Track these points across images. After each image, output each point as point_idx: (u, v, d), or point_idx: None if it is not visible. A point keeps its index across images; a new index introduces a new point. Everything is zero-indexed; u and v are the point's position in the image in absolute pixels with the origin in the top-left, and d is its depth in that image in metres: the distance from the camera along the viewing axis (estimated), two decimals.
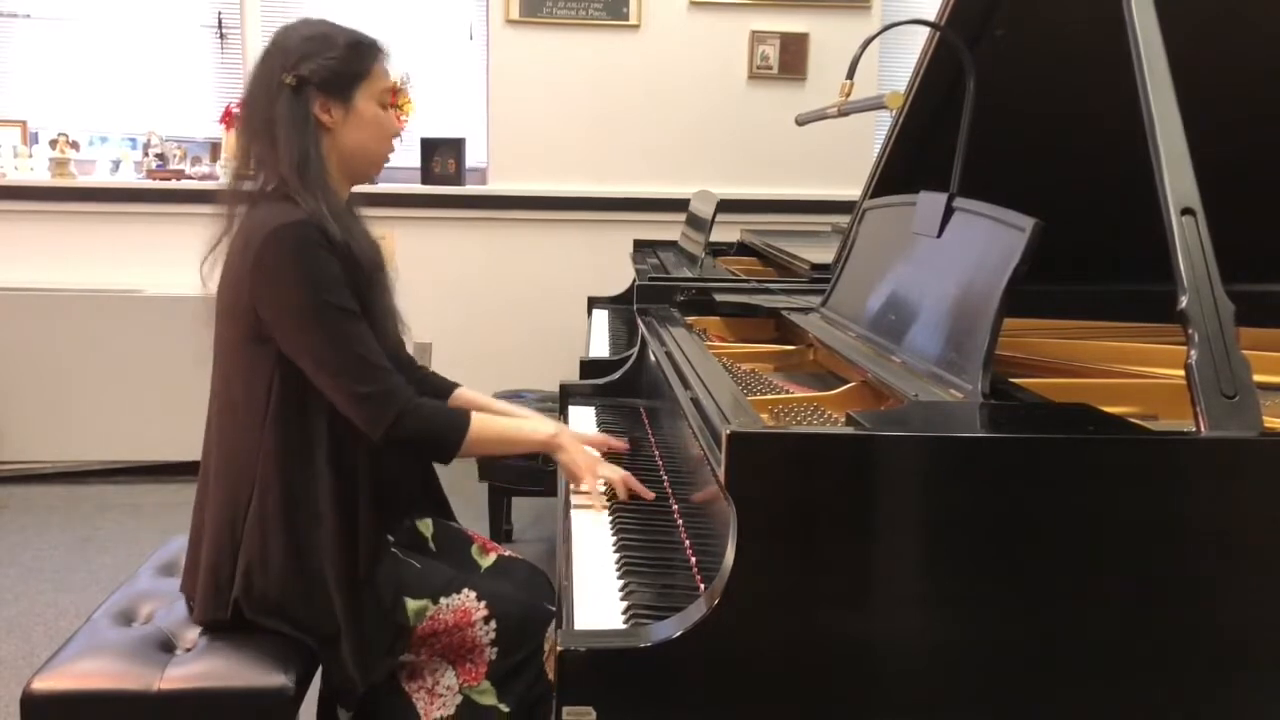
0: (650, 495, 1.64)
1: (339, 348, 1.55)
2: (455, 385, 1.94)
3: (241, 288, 1.57)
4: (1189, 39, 1.31)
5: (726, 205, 3.23)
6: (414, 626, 1.63)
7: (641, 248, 3.63)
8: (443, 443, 1.63)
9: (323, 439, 1.60)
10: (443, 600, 1.65)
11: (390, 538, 1.69)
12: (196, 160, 4.21)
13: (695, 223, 3.33)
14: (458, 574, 1.70)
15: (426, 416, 1.61)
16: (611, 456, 1.78)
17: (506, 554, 1.90)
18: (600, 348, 2.92)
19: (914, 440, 1.12)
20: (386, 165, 1.75)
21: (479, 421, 1.64)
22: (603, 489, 1.66)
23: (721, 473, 1.14)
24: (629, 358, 2.29)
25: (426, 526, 1.83)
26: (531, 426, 1.75)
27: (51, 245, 4.05)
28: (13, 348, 3.91)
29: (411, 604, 1.63)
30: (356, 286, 1.60)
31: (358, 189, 1.75)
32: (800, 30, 4.28)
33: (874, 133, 4.25)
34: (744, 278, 2.80)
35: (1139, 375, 1.64)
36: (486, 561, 1.85)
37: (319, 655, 1.64)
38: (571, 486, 1.69)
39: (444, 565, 1.72)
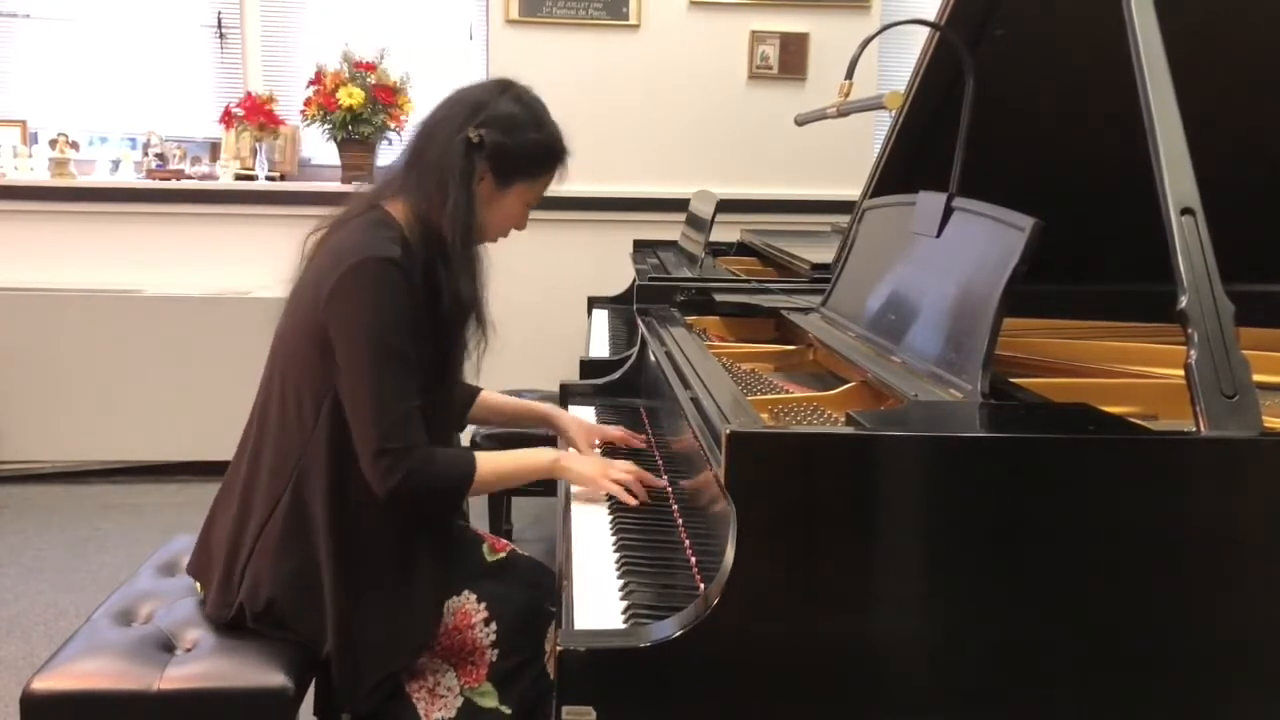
0: (661, 482, 1.65)
1: (379, 391, 1.55)
2: (478, 390, 1.95)
3: (320, 300, 1.58)
4: (1189, 39, 1.31)
5: (726, 205, 3.22)
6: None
7: (641, 248, 3.63)
8: (448, 495, 1.65)
9: None
10: (444, 603, 1.65)
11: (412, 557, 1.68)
12: (196, 160, 4.21)
13: (695, 223, 3.33)
14: (459, 576, 1.70)
15: (432, 473, 1.58)
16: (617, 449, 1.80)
17: (515, 550, 1.90)
18: (600, 348, 2.92)
19: (914, 440, 1.12)
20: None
21: (484, 464, 1.64)
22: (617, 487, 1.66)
23: (721, 473, 1.14)
24: (629, 358, 2.29)
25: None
26: (530, 458, 1.75)
27: (51, 245, 4.04)
28: (13, 348, 3.91)
29: None
30: (435, 329, 1.61)
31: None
32: (800, 30, 4.27)
33: (874, 133, 4.25)
34: (744, 278, 2.80)
35: (1139, 375, 1.64)
36: (496, 559, 1.85)
37: (317, 663, 1.64)
38: (576, 490, 1.70)
39: (449, 569, 1.72)
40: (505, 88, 1.70)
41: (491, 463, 1.67)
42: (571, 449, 1.90)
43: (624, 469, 1.67)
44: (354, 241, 1.59)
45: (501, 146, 1.64)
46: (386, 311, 1.55)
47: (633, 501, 1.62)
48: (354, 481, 1.59)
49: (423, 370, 1.61)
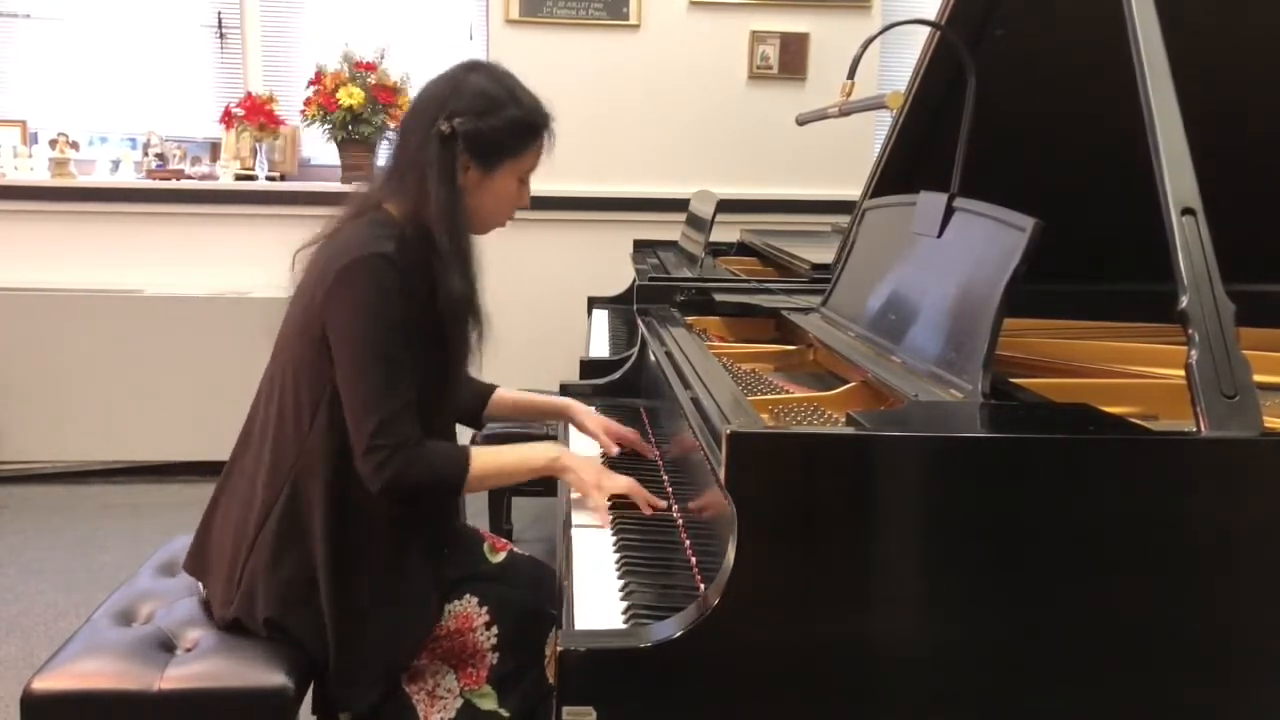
0: (662, 504, 1.62)
1: (371, 388, 1.53)
2: (493, 387, 1.95)
3: (317, 299, 1.57)
4: (1189, 38, 1.31)
5: (726, 205, 3.22)
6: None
7: (641, 248, 3.63)
8: (441, 490, 1.63)
9: None
10: (445, 606, 1.65)
11: (410, 558, 1.66)
12: (196, 160, 4.21)
13: (695, 223, 3.33)
14: (461, 578, 1.70)
15: (423, 469, 1.57)
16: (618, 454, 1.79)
17: (515, 550, 1.89)
18: (600, 348, 2.92)
19: (914, 440, 1.12)
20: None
21: (478, 459, 1.62)
22: (607, 502, 1.64)
23: (721, 473, 1.14)
24: (629, 358, 2.29)
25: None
26: (530, 454, 1.71)
27: (51, 245, 4.04)
28: (13, 348, 3.91)
29: None
30: (432, 329, 1.60)
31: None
32: (800, 30, 4.28)
33: (874, 133, 4.25)
34: (744, 278, 2.80)
35: (1139, 375, 1.64)
36: (497, 559, 1.85)
37: (317, 663, 1.63)
38: (574, 497, 1.69)
39: (449, 569, 1.72)
40: (471, 68, 1.66)
41: (487, 458, 1.65)
42: (572, 446, 1.89)
43: (624, 484, 1.62)
44: (351, 240, 1.59)
45: (476, 132, 1.60)
46: (380, 309, 1.54)
47: (601, 521, 1.58)
48: (353, 482, 1.58)
49: (427, 368, 1.60)
